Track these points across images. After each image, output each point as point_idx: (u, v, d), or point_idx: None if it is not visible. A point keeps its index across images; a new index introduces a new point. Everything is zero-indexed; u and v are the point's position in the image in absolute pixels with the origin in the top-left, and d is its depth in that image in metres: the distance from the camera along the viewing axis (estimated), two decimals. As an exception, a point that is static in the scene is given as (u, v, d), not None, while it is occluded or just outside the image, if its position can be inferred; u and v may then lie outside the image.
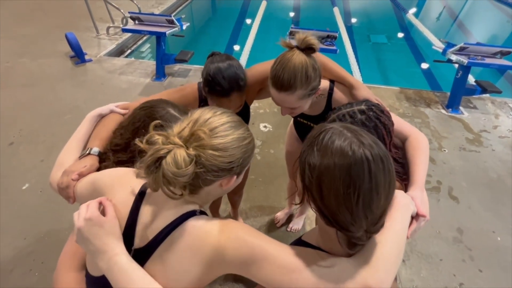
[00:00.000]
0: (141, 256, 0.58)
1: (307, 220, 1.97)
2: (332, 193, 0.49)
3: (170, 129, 0.55)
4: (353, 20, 5.94)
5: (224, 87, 0.91)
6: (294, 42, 0.90)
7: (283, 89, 0.88)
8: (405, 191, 0.79)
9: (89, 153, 0.80)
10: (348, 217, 0.49)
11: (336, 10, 5.51)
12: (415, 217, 0.69)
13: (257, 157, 2.43)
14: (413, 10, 6.67)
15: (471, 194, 2.19)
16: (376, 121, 0.78)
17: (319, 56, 1.08)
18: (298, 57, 0.86)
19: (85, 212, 0.57)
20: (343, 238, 0.54)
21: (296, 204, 1.79)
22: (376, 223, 0.52)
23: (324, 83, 1.06)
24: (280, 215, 1.96)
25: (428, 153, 0.86)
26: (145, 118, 0.75)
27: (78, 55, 3.52)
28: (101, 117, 0.92)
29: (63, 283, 0.72)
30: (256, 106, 3.02)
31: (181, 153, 0.51)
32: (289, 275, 0.52)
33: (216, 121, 0.56)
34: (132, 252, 0.58)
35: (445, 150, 2.58)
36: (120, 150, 0.78)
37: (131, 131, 0.77)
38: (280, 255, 0.54)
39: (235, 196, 1.71)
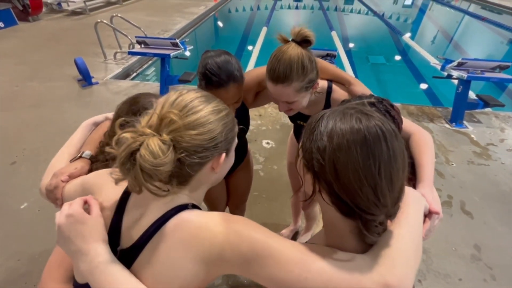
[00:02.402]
0: (128, 257, 0.52)
1: (313, 238, 1.87)
2: (350, 169, 0.43)
3: (137, 123, 0.51)
4: (351, 44, 6.15)
5: (221, 78, 0.90)
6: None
7: (279, 81, 0.87)
8: None
9: (80, 156, 0.77)
10: (371, 194, 0.44)
11: (334, 34, 5.73)
12: (428, 215, 0.64)
13: (260, 173, 2.39)
14: (408, 33, 6.93)
15: (485, 208, 2.09)
16: (385, 114, 0.75)
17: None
18: (294, 49, 0.86)
19: (68, 209, 0.53)
20: (355, 231, 0.49)
21: (303, 201, 1.70)
22: (396, 201, 0.47)
23: (323, 83, 1.05)
24: (285, 232, 1.88)
25: (434, 150, 0.82)
26: (127, 111, 0.75)
27: (85, 78, 3.63)
28: (96, 125, 0.91)
29: None
30: (258, 123, 3.03)
31: (154, 142, 0.47)
32: (297, 271, 0.46)
33: (184, 99, 0.52)
34: (118, 254, 0.53)
35: (453, 164, 2.51)
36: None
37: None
38: (285, 251, 0.48)
39: (236, 210, 1.64)
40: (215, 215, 0.53)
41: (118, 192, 0.57)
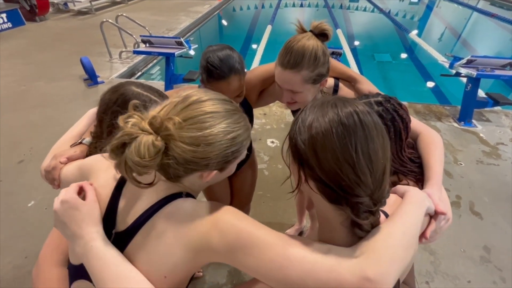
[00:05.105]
0: (122, 240, 0.54)
1: (319, 238, 1.86)
2: (328, 150, 0.45)
3: (148, 112, 0.51)
4: (357, 42, 6.09)
5: (222, 70, 0.90)
6: None
7: (289, 66, 0.84)
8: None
9: (80, 142, 0.80)
10: (350, 172, 0.45)
11: (339, 32, 5.67)
12: (434, 215, 0.62)
13: (264, 172, 2.37)
14: (415, 30, 6.82)
15: (495, 209, 2.05)
16: (393, 113, 0.74)
17: None
18: (310, 39, 0.85)
19: (63, 195, 0.55)
20: (345, 223, 0.49)
21: (290, 192, 1.69)
22: (381, 185, 0.47)
23: (329, 80, 1.03)
24: (290, 232, 1.86)
25: (443, 149, 0.80)
26: (108, 102, 0.76)
27: (91, 77, 3.66)
28: None
29: (45, 280, 0.66)
30: (263, 122, 3.01)
31: (146, 142, 0.46)
32: (279, 262, 0.47)
33: (198, 109, 0.50)
34: (112, 236, 0.54)
35: (461, 164, 2.47)
36: (99, 139, 0.78)
37: (98, 119, 0.78)
38: (270, 241, 0.48)
39: (241, 210, 1.64)
40: (206, 204, 0.54)
41: (115, 177, 0.59)
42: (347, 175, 0.45)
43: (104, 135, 0.76)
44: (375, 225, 0.50)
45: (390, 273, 0.43)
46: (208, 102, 0.51)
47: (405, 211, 0.52)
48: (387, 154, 0.48)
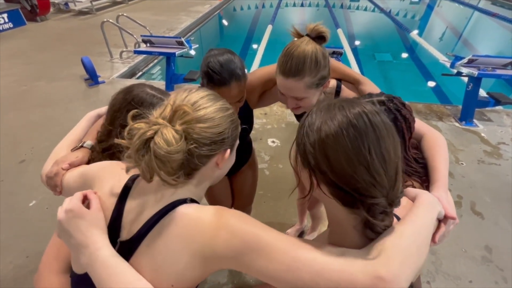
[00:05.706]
0: (128, 248, 0.53)
1: (319, 238, 1.85)
2: (340, 154, 0.44)
3: (150, 115, 0.54)
4: (357, 41, 6.07)
5: (223, 76, 0.89)
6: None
7: (291, 74, 0.84)
8: None
9: (81, 146, 0.79)
10: (365, 174, 0.44)
11: (340, 32, 5.66)
12: (443, 219, 0.61)
13: (265, 172, 2.37)
14: (416, 30, 6.81)
15: (496, 209, 2.04)
16: (396, 113, 0.74)
17: None
18: (308, 44, 0.84)
19: (67, 204, 0.54)
20: (358, 227, 0.48)
21: (300, 199, 1.71)
22: (394, 184, 0.46)
23: (332, 82, 1.03)
24: (291, 231, 1.86)
25: (447, 151, 0.80)
26: (122, 101, 0.75)
27: (92, 77, 3.66)
28: (100, 117, 0.92)
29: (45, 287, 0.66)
30: (263, 122, 3.01)
31: (168, 131, 0.49)
32: (289, 264, 0.46)
33: (194, 96, 0.56)
34: (117, 245, 0.54)
35: (462, 163, 2.46)
36: (104, 140, 0.77)
37: (110, 117, 0.77)
38: (277, 243, 0.48)
39: (243, 211, 1.64)
40: (210, 209, 0.54)
41: (119, 185, 0.58)
42: (362, 177, 0.44)
43: (113, 132, 0.75)
44: (387, 226, 0.49)
45: (403, 274, 0.43)
46: (197, 91, 0.58)
47: (417, 214, 0.52)
48: (398, 152, 0.47)
